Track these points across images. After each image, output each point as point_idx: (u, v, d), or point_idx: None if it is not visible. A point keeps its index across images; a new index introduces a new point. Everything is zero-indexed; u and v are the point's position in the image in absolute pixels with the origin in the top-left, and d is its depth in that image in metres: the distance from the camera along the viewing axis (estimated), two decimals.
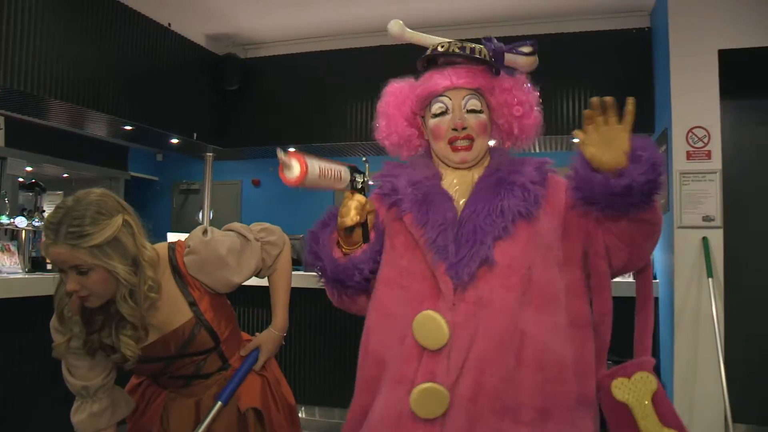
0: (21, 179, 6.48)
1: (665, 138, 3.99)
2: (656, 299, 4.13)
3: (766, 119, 4.22)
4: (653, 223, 1.48)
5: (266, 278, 2.12)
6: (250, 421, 1.97)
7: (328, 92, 5.43)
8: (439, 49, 1.61)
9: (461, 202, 1.55)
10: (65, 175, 7.45)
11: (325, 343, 4.44)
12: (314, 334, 4.45)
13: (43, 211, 5.61)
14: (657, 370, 4.05)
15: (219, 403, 1.93)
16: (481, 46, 1.62)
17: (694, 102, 3.81)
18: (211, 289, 1.92)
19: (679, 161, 3.79)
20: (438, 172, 1.63)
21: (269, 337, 2.08)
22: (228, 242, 1.91)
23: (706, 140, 3.76)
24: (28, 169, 6.71)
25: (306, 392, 4.41)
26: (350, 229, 1.48)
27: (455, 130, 1.56)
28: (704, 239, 3.68)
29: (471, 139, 1.57)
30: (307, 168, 1.30)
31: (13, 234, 4.60)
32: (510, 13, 4.94)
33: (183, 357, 1.91)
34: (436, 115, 1.60)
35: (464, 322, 1.41)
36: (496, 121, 1.65)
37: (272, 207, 7.08)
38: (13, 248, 4.16)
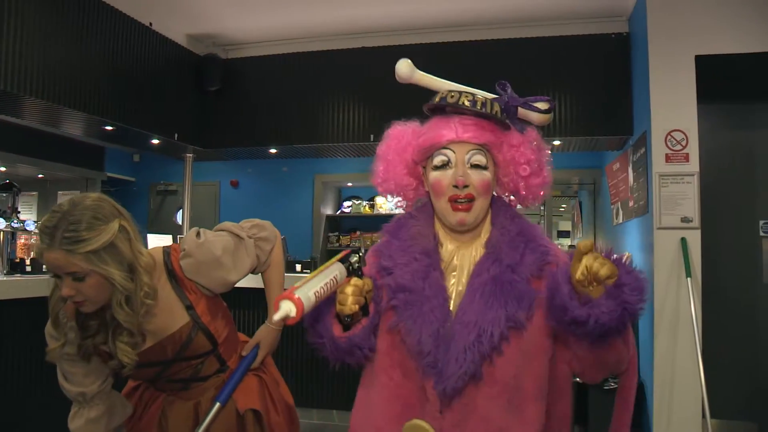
0: None
1: (644, 141, 4.08)
2: None
3: (742, 123, 4.34)
4: (606, 359, 1.46)
5: (259, 275, 2.12)
6: (249, 422, 1.96)
7: (309, 93, 5.43)
8: (449, 99, 1.53)
9: (457, 296, 1.51)
10: (40, 176, 7.33)
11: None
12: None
13: (19, 212, 5.54)
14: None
15: (218, 404, 1.92)
16: (493, 100, 1.56)
17: (673, 106, 3.90)
18: (209, 290, 1.91)
19: (658, 164, 3.87)
20: (436, 247, 1.56)
21: (266, 332, 2.08)
22: (222, 242, 1.91)
23: (684, 143, 3.85)
24: (2, 169, 6.61)
25: (305, 394, 4.43)
26: (349, 317, 1.45)
27: (456, 187, 1.50)
28: (683, 240, 3.77)
29: (472, 198, 1.51)
30: (302, 303, 1.28)
31: None
32: (489, 17, 5.00)
33: (180, 361, 1.91)
34: (437, 167, 1.54)
35: (451, 430, 1.44)
36: (501, 179, 1.60)
37: (251, 208, 7.07)
38: None
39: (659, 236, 3.84)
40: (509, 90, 1.57)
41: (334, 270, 1.39)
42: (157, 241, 5.11)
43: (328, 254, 7.10)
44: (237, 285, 2.00)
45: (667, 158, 3.87)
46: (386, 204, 7.00)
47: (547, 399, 1.50)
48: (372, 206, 7.15)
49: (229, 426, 1.95)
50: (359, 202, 7.24)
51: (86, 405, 1.84)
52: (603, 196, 6.01)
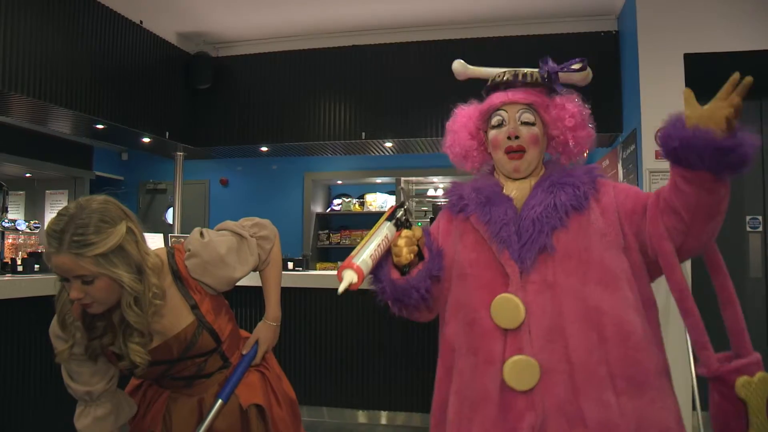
0: None
1: (634, 138, 4.13)
2: None
3: None
4: (718, 202, 1.50)
5: (257, 273, 2.14)
6: (252, 417, 1.98)
7: (299, 91, 5.45)
8: (497, 79, 1.80)
9: (520, 204, 1.70)
10: (27, 175, 7.28)
11: (333, 343, 4.48)
12: (322, 334, 4.49)
13: (8, 211, 5.50)
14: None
15: (220, 401, 1.94)
16: (535, 71, 1.78)
17: (662, 103, 3.94)
18: (213, 289, 1.93)
19: (648, 160, 3.92)
20: (499, 182, 1.78)
21: (265, 329, 2.11)
22: (226, 242, 1.93)
23: None
24: None
25: (313, 393, 4.46)
26: (407, 266, 1.62)
27: (509, 139, 1.72)
28: None
29: (523, 150, 1.72)
30: (362, 270, 1.42)
31: None
32: (479, 15, 5.03)
33: (185, 359, 1.92)
34: (494, 127, 1.77)
35: (535, 300, 1.55)
36: (551, 134, 1.79)
37: (241, 206, 7.07)
38: None
39: None
40: (549, 62, 1.77)
41: (383, 230, 1.54)
42: (148, 240, 5.08)
43: (319, 252, 7.12)
44: (237, 283, 2.01)
45: (657, 155, 3.90)
46: (376, 201, 7.02)
47: (646, 278, 1.64)
48: (362, 204, 7.17)
49: (233, 421, 1.97)
50: (349, 199, 7.26)
51: (93, 404, 1.85)
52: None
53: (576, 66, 1.79)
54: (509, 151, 1.73)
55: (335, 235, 7.15)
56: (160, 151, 5.94)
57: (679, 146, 1.44)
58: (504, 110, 1.76)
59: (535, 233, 1.58)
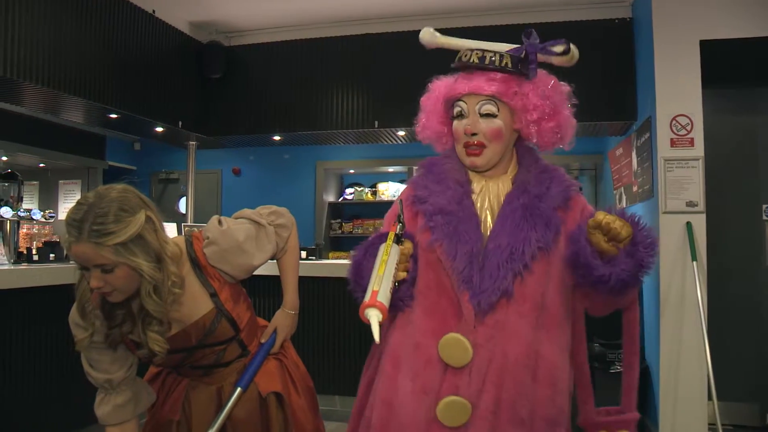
0: None
1: (649, 126, 4.09)
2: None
3: (746, 107, 4.36)
4: (618, 305, 1.65)
5: (274, 261, 2.15)
6: (272, 405, 1.99)
7: (311, 80, 5.44)
8: (462, 58, 1.70)
9: (488, 223, 1.66)
10: (41, 165, 7.31)
11: (346, 332, 4.49)
12: (335, 323, 4.51)
13: (23, 201, 5.53)
14: (642, 354, 4.18)
15: (239, 389, 1.95)
16: (506, 53, 1.67)
17: (678, 91, 3.91)
18: (232, 277, 1.93)
19: (663, 148, 3.89)
20: (468, 181, 1.72)
21: (283, 317, 2.12)
22: (244, 229, 1.93)
23: (689, 128, 3.87)
24: (4, 158, 6.58)
25: (326, 381, 4.48)
26: (399, 282, 1.59)
27: (466, 134, 1.67)
28: (688, 224, 3.80)
29: (482, 145, 1.66)
30: (385, 306, 1.37)
31: None
32: (492, 3, 4.99)
33: (204, 347, 1.93)
34: (455, 117, 1.71)
35: (484, 344, 1.56)
36: (516, 124, 1.70)
37: (253, 195, 7.08)
38: None
39: (665, 220, 3.86)
40: (531, 38, 1.67)
41: (394, 257, 1.50)
42: None
43: (331, 241, 7.12)
44: (255, 271, 2.02)
45: (672, 143, 3.89)
46: (388, 191, 7.01)
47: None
48: (374, 193, 7.16)
49: (252, 409, 1.99)
50: (361, 189, 7.24)
51: (112, 392, 1.86)
52: (605, 181, 6.03)
53: (558, 48, 1.67)
54: (467, 146, 1.67)
55: (347, 224, 7.15)
56: (173, 140, 5.94)
57: (571, 255, 1.53)
58: (464, 101, 1.68)
59: (498, 280, 1.55)
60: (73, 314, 1.81)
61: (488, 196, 1.70)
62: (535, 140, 1.72)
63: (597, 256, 1.47)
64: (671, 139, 3.89)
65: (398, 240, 1.57)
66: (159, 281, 1.70)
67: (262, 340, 2.06)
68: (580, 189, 1.73)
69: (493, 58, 1.65)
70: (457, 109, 1.69)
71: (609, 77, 4.72)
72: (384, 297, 1.38)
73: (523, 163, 1.73)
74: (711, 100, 4.07)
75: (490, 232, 1.63)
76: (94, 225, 1.59)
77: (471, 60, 1.67)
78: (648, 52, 4.11)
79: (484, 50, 1.67)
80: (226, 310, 1.89)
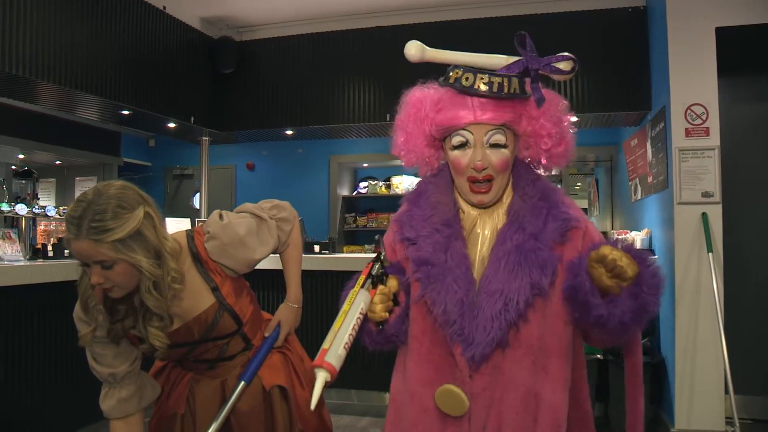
0: (14, 167, 6.43)
1: (663, 116, 4.03)
2: None
3: (763, 95, 4.27)
4: (617, 343, 1.57)
5: (277, 255, 2.14)
6: (276, 398, 1.99)
7: (323, 74, 5.42)
8: (464, 82, 1.50)
9: (480, 259, 1.54)
10: (57, 162, 7.39)
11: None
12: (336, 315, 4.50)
13: (39, 198, 5.59)
14: (657, 346, 4.13)
15: (243, 383, 1.95)
16: (511, 70, 1.52)
17: (692, 80, 3.85)
18: (233, 271, 1.93)
19: (677, 138, 3.83)
20: (457, 218, 1.58)
21: (287, 311, 2.11)
22: (245, 223, 1.93)
23: (704, 117, 3.80)
24: (21, 156, 6.66)
25: (341, 375, 4.45)
26: (382, 323, 1.53)
27: (475, 170, 1.51)
28: (703, 215, 3.74)
29: (490, 179, 1.53)
30: (334, 367, 1.34)
31: (13, 221, 4.58)
32: None
33: (207, 341, 1.93)
34: (456, 147, 1.54)
35: (481, 392, 1.50)
36: (523, 151, 1.60)
37: (267, 190, 7.10)
38: (14, 236, 4.15)
39: (680, 211, 3.81)
40: (528, 48, 1.53)
41: (359, 305, 1.44)
42: (175, 225, 5.14)
43: (345, 235, 7.12)
44: (256, 266, 2.01)
45: (687, 132, 3.83)
46: (402, 184, 6.99)
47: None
48: (388, 186, 7.15)
49: (256, 402, 1.98)
50: (375, 182, 7.23)
51: (117, 385, 1.87)
52: (620, 173, 5.97)
53: (564, 66, 1.53)
54: (473, 181, 1.52)
55: (362, 218, 7.15)
56: (186, 136, 5.97)
57: (568, 289, 1.45)
58: (468, 131, 1.51)
59: (492, 331, 1.44)
60: (77, 310, 1.83)
61: (481, 230, 1.57)
62: (541, 165, 1.62)
63: (597, 293, 1.37)
64: (686, 129, 3.83)
65: (380, 279, 1.50)
66: (158, 277, 1.70)
67: (266, 334, 2.05)
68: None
69: (502, 84, 1.48)
70: (459, 139, 1.52)
71: (623, 67, 4.66)
72: (334, 356, 1.33)
73: (518, 188, 1.59)
74: (727, 89, 4.00)
75: (482, 277, 1.50)
76: (93, 222, 1.60)
77: (476, 86, 1.48)
78: (662, 40, 4.05)
79: (489, 76, 1.49)
80: (228, 304, 1.89)
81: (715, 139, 3.79)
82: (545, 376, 1.50)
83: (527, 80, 1.53)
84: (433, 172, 1.68)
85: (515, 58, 1.55)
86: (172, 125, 5.37)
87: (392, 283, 1.52)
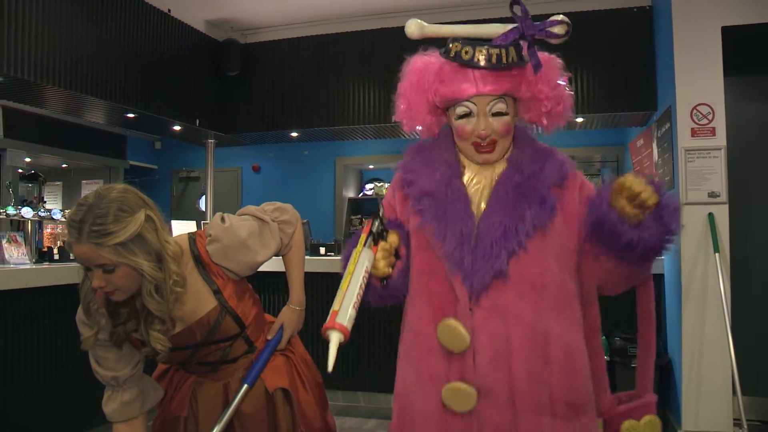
0: (20, 170, 6.46)
1: (669, 116, 4.01)
2: (662, 275, 4.17)
3: None
4: (636, 277, 1.61)
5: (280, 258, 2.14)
6: (278, 401, 1.98)
7: (328, 76, 5.42)
8: (463, 56, 1.56)
9: (481, 205, 1.59)
10: (64, 165, 7.42)
11: (368, 327, 4.50)
12: (358, 319, 4.49)
13: (45, 201, 5.61)
14: (664, 347, 4.11)
15: (246, 386, 1.94)
16: (508, 37, 1.58)
17: (698, 79, 3.82)
18: (236, 274, 1.93)
19: (683, 138, 3.81)
20: (458, 166, 1.65)
21: (290, 314, 2.10)
22: (247, 226, 1.93)
23: (710, 117, 3.78)
24: (27, 159, 6.69)
25: (348, 377, 4.50)
26: (386, 278, 1.57)
27: (479, 138, 1.58)
28: (710, 215, 3.72)
29: (494, 143, 1.60)
30: (346, 328, 1.36)
31: (19, 224, 4.60)
32: None
33: (209, 344, 1.93)
34: (460, 117, 1.60)
35: (483, 327, 1.51)
36: (523, 115, 1.67)
37: (273, 192, 7.08)
38: (19, 239, 4.16)
39: (686, 212, 3.78)
40: (522, 14, 1.58)
41: (363, 263, 1.47)
42: (181, 227, 5.15)
43: (351, 238, 7.10)
44: (259, 269, 2.01)
45: (693, 132, 3.81)
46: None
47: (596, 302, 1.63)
48: None
49: (259, 405, 1.98)
50: (381, 184, 7.22)
51: (119, 389, 1.87)
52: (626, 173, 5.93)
53: (559, 30, 1.58)
54: (478, 146, 1.60)
55: (367, 219, 7.12)
56: (192, 138, 5.98)
57: (594, 223, 1.49)
58: (472, 102, 1.57)
59: (492, 258, 1.49)
60: (79, 313, 1.83)
61: (483, 178, 1.63)
62: (540, 124, 1.68)
63: (624, 221, 1.42)
64: (692, 129, 3.80)
65: (381, 236, 1.55)
66: (160, 280, 1.70)
67: (269, 337, 2.05)
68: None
69: (500, 56, 1.55)
70: (462, 110, 1.59)
71: (629, 67, 4.64)
72: (345, 317, 1.35)
73: (517, 145, 1.66)
74: (733, 89, 3.98)
75: (482, 213, 1.56)
76: (94, 226, 1.60)
77: (475, 59, 1.55)
78: (668, 40, 4.02)
79: (488, 49, 1.55)
80: (230, 307, 1.89)
81: (721, 139, 3.77)
82: (555, 315, 1.52)
83: (524, 47, 1.59)
84: (433, 135, 1.75)
85: (511, 26, 1.61)
86: (177, 128, 5.38)
87: (393, 238, 1.57)
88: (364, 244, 1.53)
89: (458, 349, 1.52)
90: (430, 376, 1.56)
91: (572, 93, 1.68)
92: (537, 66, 1.56)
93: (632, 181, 1.39)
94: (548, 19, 1.58)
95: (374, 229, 1.55)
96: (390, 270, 1.56)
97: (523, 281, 1.52)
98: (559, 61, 1.67)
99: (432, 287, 1.59)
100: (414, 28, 1.70)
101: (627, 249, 1.44)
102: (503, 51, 1.55)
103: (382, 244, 1.55)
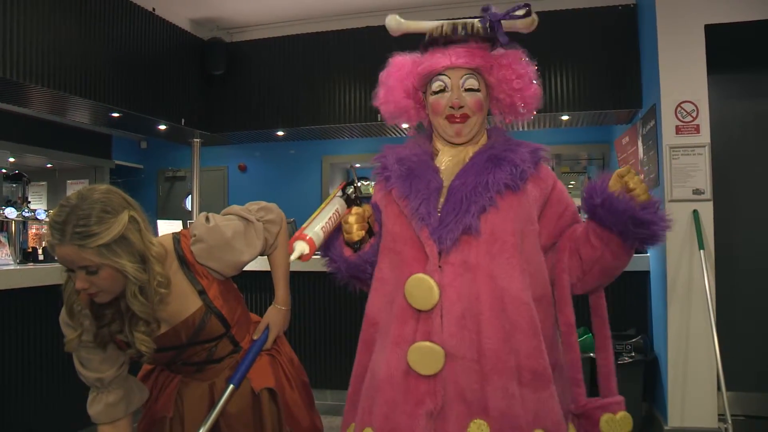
0: (4, 170, 6.40)
1: (654, 113, 4.04)
2: (648, 272, 4.20)
3: (752, 92, 4.28)
4: (618, 268, 1.64)
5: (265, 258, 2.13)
6: (264, 400, 1.98)
7: (314, 74, 5.41)
8: (434, 33, 1.70)
9: (450, 178, 1.63)
10: (48, 165, 7.36)
11: (354, 326, 4.48)
12: (342, 318, 4.50)
13: (29, 201, 5.56)
14: (650, 344, 4.13)
15: (231, 386, 1.93)
16: (474, 22, 1.69)
17: (682, 77, 3.84)
18: (221, 274, 1.92)
19: (668, 136, 3.83)
20: (430, 149, 1.73)
21: (275, 313, 2.09)
22: (232, 226, 1.91)
23: (694, 114, 3.80)
24: (11, 159, 6.63)
25: (335, 377, 4.48)
26: (358, 243, 1.61)
27: (452, 108, 1.64)
28: (694, 212, 3.74)
29: (467, 116, 1.65)
30: (313, 241, 1.44)
31: (2, 225, 4.56)
32: None
33: (195, 345, 1.92)
34: (435, 93, 1.68)
35: (451, 283, 1.51)
36: (496, 96, 1.73)
37: (259, 191, 7.07)
38: (3, 239, 4.13)
39: (671, 209, 3.80)
40: (491, 9, 1.69)
41: (334, 204, 1.56)
42: (167, 227, 5.12)
43: None
44: (245, 268, 2.00)
45: (678, 130, 3.83)
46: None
47: (553, 306, 1.65)
48: None
49: (245, 405, 1.98)
50: (367, 182, 7.20)
51: (104, 390, 1.86)
52: (612, 171, 5.96)
53: (519, 12, 1.68)
54: (451, 117, 1.66)
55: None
56: (177, 138, 5.95)
57: (600, 204, 1.54)
58: (446, 75, 1.66)
59: (461, 213, 1.52)
60: (63, 315, 1.81)
61: (455, 159, 1.69)
62: (513, 108, 1.73)
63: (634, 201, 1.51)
64: (676, 126, 3.83)
65: (354, 202, 1.61)
66: (144, 282, 1.69)
67: (255, 337, 2.04)
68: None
69: (465, 27, 1.67)
70: (438, 84, 1.67)
71: (613, 65, 4.67)
72: (314, 234, 1.44)
73: (491, 137, 1.74)
74: (717, 86, 4.01)
75: (455, 176, 1.62)
76: (77, 227, 1.58)
77: (443, 32, 1.68)
78: (652, 38, 4.05)
79: (453, 22, 1.68)
80: (215, 307, 1.88)
81: (705, 137, 3.79)
82: (521, 281, 1.54)
83: (490, 28, 1.68)
84: (411, 123, 1.82)
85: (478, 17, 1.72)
86: (162, 127, 5.35)
87: (367, 207, 1.64)
88: (337, 195, 1.61)
89: (426, 305, 1.50)
90: (395, 339, 1.54)
91: (540, 85, 1.73)
92: (504, 37, 1.65)
93: (631, 175, 1.51)
94: (513, 5, 1.68)
95: (348, 192, 1.61)
96: (363, 233, 1.60)
97: (494, 239, 1.53)
98: (525, 51, 1.74)
99: (405, 252, 1.59)
100: (393, 23, 1.81)
101: (639, 227, 1.50)
102: (468, 23, 1.68)
103: (355, 208, 1.60)
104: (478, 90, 1.66)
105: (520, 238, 1.56)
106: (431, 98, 1.69)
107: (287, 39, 5.51)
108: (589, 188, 1.58)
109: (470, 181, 1.56)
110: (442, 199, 1.59)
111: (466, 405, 1.47)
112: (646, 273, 4.20)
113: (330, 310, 4.55)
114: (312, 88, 5.41)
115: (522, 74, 1.68)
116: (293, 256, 1.41)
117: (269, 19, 5.53)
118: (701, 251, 3.64)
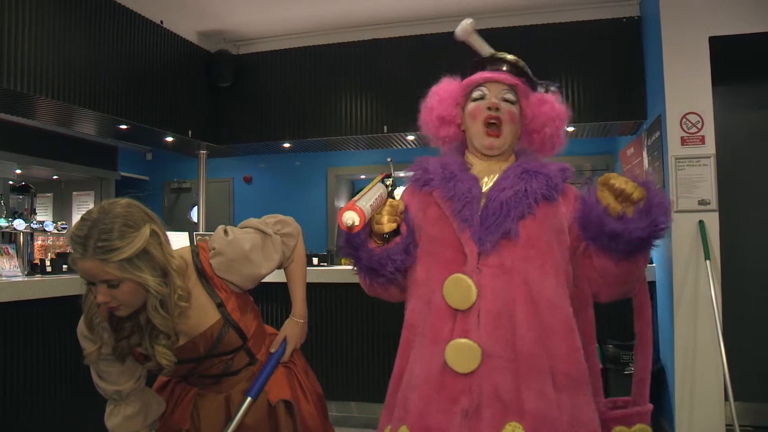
0: (11, 182, 6.43)
1: (659, 124, 4.06)
2: (654, 283, 4.21)
3: (757, 103, 4.31)
4: (628, 276, 1.60)
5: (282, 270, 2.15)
6: (281, 412, 1.99)
7: (320, 86, 5.44)
8: (497, 55, 1.81)
9: (487, 186, 1.69)
10: (55, 177, 7.38)
11: (360, 337, 4.50)
12: (348, 329, 4.52)
13: (36, 213, 5.59)
14: (657, 354, 4.14)
15: (249, 399, 1.95)
16: (524, 65, 1.80)
17: (687, 88, 3.87)
18: (239, 287, 1.93)
19: (673, 147, 3.86)
20: (466, 162, 1.77)
21: (293, 326, 2.12)
22: (250, 239, 1.93)
23: (699, 125, 3.83)
24: (18, 171, 6.66)
25: (341, 388, 4.49)
26: (385, 236, 1.60)
27: (490, 109, 1.70)
28: (700, 223, 3.76)
29: (501, 122, 1.70)
30: (364, 213, 1.43)
31: (11, 237, 4.58)
32: (501, 5, 4.97)
33: (212, 357, 1.93)
34: (474, 100, 1.74)
35: (489, 284, 1.55)
36: (527, 129, 1.80)
37: (265, 203, 7.08)
38: (11, 251, 4.14)
39: (677, 220, 3.82)
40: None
41: (379, 188, 1.56)
42: (173, 238, 5.11)
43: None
44: (262, 280, 2.02)
45: (683, 141, 3.85)
46: (398, 196, 6.99)
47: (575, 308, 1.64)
48: None
49: (261, 417, 1.99)
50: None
51: (122, 402, 1.87)
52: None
53: (552, 88, 1.84)
54: (488, 122, 1.70)
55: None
56: (184, 150, 5.98)
57: (581, 220, 1.56)
58: (486, 87, 1.74)
59: (501, 217, 1.57)
60: (81, 327, 1.82)
61: (489, 172, 1.73)
62: (542, 146, 1.80)
63: (608, 213, 1.48)
64: (682, 138, 3.85)
65: (389, 195, 1.61)
66: (165, 295, 1.70)
67: (272, 350, 2.06)
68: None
69: (518, 61, 1.79)
70: (478, 93, 1.74)
71: (618, 76, 4.70)
72: (364, 206, 1.44)
73: (519, 156, 1.80)
74: (722, 97, 4.03)
75: (493, 184, 1.67)
76: (99, 241, 1.59)
77: (500, 56, 1.79)
78: (657, 50, 4.08)
79: (504, 54, 1.81)
80: (233, 320, 1.90)
81: (710, 147, 3.82)
82: (557, 286, 1.57)
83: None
84: (447, 137, 1.84)
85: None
86: (169, 139, 5.38)
87: (400, 203, 1.62)
88: (379, 182, 1.60)
89: (464, 305, 1.54)
90: (433, 338, 1.57)
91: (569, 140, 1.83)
92: (538, 84, 1.80)
93: (614, 178, 1.47)
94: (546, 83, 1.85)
95: (386, 183, 1.61)
96: (394, 226, 1.59)
97: (531, 245, 1.57)
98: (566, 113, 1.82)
99: (444, 254, 1.62)
100: (468, 27, 1.95)
101: (613, 239, 1.48)
102: (516, 59, 1.79)
103: (390, 201, 1.59)
104: (514, 103, 1.73)
105: (554, 246, 1.60)
106: (470, 105, 1.75)
107: (294, 51, 5.54)
108: (582, 206, 1.60)
109: (509, 188, 1.62)
110: (481, 206, 1.63)
111: (502, 405, 1.49)
112: (652, 283, 4.21)
113: (334, 323, 4.57)
114: (318, 100, 5.44)
115: (554, 117, 1.78)
116: (346, 224, 1.41)
117: (276, 31, 5.56)
118: (707, 261, 3.65)
